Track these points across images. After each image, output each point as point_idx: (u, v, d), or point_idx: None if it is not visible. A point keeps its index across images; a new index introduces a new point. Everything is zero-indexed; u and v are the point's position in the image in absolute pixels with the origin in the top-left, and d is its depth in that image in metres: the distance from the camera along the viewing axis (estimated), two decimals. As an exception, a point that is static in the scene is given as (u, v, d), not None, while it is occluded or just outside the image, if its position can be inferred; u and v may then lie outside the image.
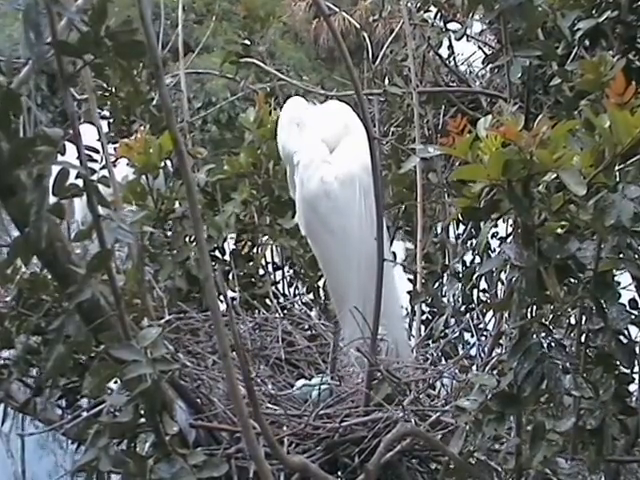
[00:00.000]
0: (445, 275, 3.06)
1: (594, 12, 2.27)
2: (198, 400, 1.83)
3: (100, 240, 1.40)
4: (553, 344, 1.50)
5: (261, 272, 2.78)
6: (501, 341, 2.29)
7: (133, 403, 1.44)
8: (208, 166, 2.78)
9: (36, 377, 2.48)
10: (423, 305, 2.83)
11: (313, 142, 2.11)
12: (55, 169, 1.39)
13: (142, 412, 1.49)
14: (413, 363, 2.14)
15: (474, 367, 2.14)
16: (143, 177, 2.60)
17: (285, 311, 2.55)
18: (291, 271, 2.86)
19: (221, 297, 1.48)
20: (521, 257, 1.47)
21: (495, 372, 1.77)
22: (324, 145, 2.11)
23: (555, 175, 1.44)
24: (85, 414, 2.19)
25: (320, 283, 2.76)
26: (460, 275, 2.83)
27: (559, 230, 1.51)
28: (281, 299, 2.71)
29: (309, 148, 2.11)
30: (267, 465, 1.35)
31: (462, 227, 3.49)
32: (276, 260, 2.86)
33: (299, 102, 2.25)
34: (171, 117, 1.31)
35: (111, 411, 1.71)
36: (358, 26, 3.96)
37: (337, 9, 3.71)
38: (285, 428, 1.85)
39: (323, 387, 2.00)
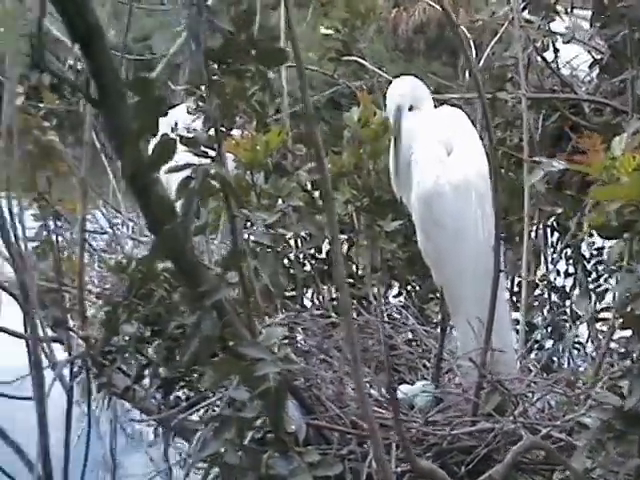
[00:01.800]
0: (540, 285, 3.01)
1: None
2: (309, 399, 1.85)
3: (234, 239, 1.44)
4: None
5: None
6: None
7: (257, 400, 1.47)
8: (309, 164, 2.77)
9: (136, 365, 2.55)
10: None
11: (429, 142, 2.09)
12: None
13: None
14: (519, 375, 2.11)
15: (580, 383, 2.09)
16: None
17: (385, 314, 2.53)
18: (388, 274, 2.84)
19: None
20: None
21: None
22: (441, 145, 2.09)
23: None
24: (183, 405, 2.25)
25: (417, 287, 2.74)
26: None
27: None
28: (380, 301, 2.69)
29: (426, 147, 2.09)
30: (391, 470, 1.36)
31: (556, 235, 3.44)
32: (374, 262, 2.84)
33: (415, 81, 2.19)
34: (314, 123, 1.33)
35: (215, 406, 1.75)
36: (455, 20, 3.86)
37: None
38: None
39: (428, 393, 2.00)
